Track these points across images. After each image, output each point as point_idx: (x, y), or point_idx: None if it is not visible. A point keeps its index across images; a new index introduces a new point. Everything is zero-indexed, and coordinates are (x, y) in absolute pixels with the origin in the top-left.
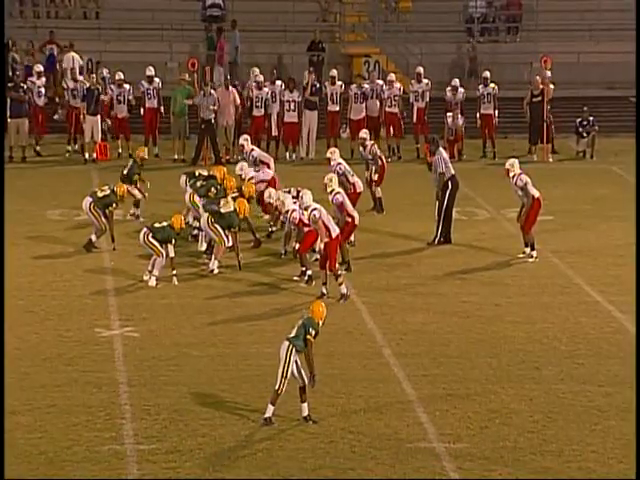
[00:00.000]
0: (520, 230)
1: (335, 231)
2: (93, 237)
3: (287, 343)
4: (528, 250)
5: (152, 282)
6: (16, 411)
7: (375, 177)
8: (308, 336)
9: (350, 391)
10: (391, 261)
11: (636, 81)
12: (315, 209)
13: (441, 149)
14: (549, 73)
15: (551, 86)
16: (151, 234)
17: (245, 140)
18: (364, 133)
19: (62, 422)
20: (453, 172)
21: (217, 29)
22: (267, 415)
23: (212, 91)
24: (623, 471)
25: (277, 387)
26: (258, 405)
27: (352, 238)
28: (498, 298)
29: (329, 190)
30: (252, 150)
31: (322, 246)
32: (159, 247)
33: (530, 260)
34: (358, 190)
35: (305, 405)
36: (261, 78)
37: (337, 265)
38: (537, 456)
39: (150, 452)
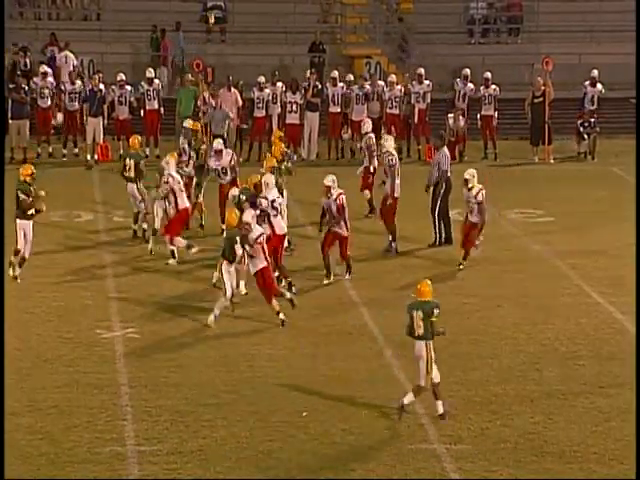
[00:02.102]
0: (462, 246)
1: (283, 229)
2: (145, 225)
3: (422, 342)
4: (465, 263)
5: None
6: (17, 412)
7: (361, 170)
8: (434, 319)
9: (351, 393)
10: (392, 262)
11: (636, 82)
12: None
13: (445, 147)
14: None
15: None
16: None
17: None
18: (368, 125)
19: (63, 423)
20: (450, 174)
21: (161, 30)
22: (405, 402)
23: (222, 105)
24: (624, 472)
25: (423, 383)
26: (259, 406)
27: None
28: (499, 299)
29: (333, 191)
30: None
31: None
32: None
33: (461, 267)
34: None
35: (440, 402)
36: (262, 79)
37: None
38: (538, 457)
39: (151, 453)
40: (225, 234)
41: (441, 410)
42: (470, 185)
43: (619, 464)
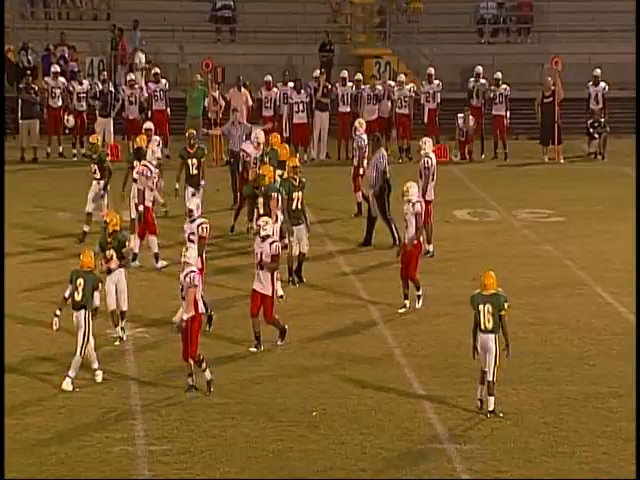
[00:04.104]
0: (403, 279)
1: (201, 309)
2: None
3: (492, 336)
4: (409, 302)
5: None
6: (27, 412)
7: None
8: (503, 312)
9: (361, 392)
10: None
11: (636, 81)
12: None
13: (382, 148)
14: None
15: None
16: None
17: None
18: (358, 123)
19: (73, 423)
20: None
21: (119, 29)
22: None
23: (242, 120)
24: (634, 473)
25: (491, 377)
26: (269, 406)
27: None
28: (509, 299)
29: (263, 234)
30: None
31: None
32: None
33: (401, 311)
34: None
35: (492, 399)
36: (269, 78)
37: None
38: (548, 457)
39: (161, 453)
40: (85, 278)
41: (492, 407)
42: (407, 198)
43: (630, 465)
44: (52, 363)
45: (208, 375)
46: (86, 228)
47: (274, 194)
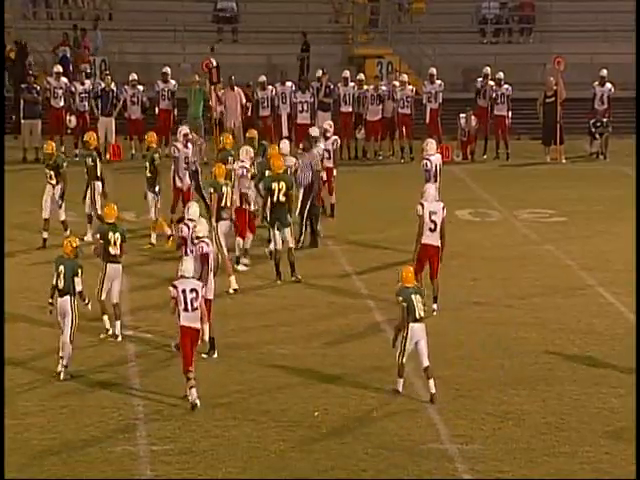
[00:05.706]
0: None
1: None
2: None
3: (424, 324)
4: (436, 306)
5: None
6: (29, 412)
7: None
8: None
9: (363, 392)
10: (403, 263)
11: (636, 81)
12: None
13: (314, 149)
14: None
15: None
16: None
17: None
18: (328, 125)
19: (75, 423)
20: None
21: (81, 29)
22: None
23: (201, 140)
24: (636, 473)
25: (427, 363)
26: (270, 406)
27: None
28: (510, 299)
29: (194, 236)
30: None
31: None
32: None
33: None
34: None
35: (432, 382)
36: (263, 79)
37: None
38: (550, 457)
39: (163, 453)
40: (65, 265)
41: (434, 390)
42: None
43: (631, 465)
44: (53, 363)
45: (194, 398)
46: (45, 235)
47: (210, 189)
